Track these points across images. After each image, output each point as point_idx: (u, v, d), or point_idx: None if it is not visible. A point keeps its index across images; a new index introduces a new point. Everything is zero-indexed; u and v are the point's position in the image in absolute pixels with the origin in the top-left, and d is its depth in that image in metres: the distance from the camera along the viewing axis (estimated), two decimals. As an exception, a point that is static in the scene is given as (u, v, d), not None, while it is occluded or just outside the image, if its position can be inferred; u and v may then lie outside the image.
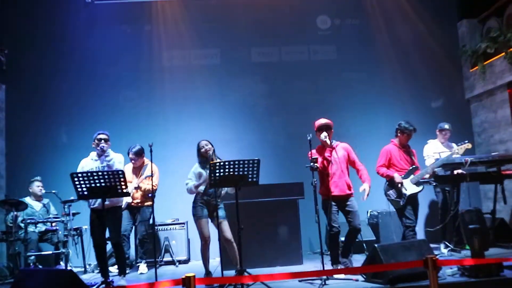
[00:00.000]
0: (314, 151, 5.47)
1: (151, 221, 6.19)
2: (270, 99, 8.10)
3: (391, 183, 5.92)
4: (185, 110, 7.88)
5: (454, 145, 6.92)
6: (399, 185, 5.82)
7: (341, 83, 8.21)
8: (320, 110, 7.78)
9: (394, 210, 6.06)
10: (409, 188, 5.84)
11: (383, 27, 8.37)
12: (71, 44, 7.87)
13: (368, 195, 5.49)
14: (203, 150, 5.35)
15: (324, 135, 5.39)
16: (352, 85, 8.21)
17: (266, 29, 8.25)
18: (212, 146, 5.42)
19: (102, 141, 5.32)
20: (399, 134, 6.06)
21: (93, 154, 5.48)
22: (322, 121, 5.57)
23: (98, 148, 5.32)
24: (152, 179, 5.68)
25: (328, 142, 5.40)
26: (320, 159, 5.37)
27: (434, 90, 8.29)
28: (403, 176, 5.88)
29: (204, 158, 5.36)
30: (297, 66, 8.22)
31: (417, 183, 5.86)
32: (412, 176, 5.89)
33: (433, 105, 8.25)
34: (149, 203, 6.41)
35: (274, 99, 8.10)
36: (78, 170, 5.33)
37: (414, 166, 5.96)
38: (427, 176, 6.01)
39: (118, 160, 5.37)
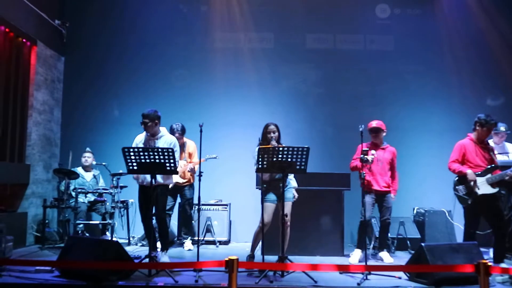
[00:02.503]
0: (365, 144, 5.58)
1: (195, 201, 6.30)
2: (321, 88, 7.99)
3: (462, 179, 5.37)
4: (235, 93, 7.88)
5: (510, 146, 6.60)
6: (472, 183, 5.28)
7: (396, 75, 7.97)
8: (372, 102, 7.67)
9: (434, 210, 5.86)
10: (482, 187, 5.26)
11: (445, 18, 8.03)
12: (129, 20, 8.01)
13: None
14: (270, 135, 5.26)
15: (371, 157, 5.61)
16: (407, 78, 7.97)
17: (322, 15, 8.09)
18: (279, 132, 5.29)
19: (142, 125, 5.31)
20: (478, 128, 5.41)
21: None
22: (373, 123, 5.88)
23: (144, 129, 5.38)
24: (192, 159, 5.71)
25: (370, 159, 5.54)
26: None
27: (495, 87, 7.90)
28: (479, 173, 5.31)
29: (265, 142, 5.28)
30: (352, 55, 8.03)
31: (493, 184, 5.25)
32: (489, 175, 5.27)
33: (490, 103, 7.86)
34: (190, 183, 6.59)
35: (326, 87, 7.98)
36: (133, 144, 5.43)
37: (494, 165, 5.37)
38: (506, 178, 5.27)
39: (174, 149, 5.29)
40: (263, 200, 5.17)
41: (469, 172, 5.26)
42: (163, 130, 5.49)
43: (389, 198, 5.87)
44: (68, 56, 8.01)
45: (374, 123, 5.91)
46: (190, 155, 6.60)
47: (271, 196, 5.16)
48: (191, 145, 6.60)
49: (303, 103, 7.94)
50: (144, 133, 5.47)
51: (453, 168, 5.39)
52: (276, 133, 5.23)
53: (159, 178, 5.20)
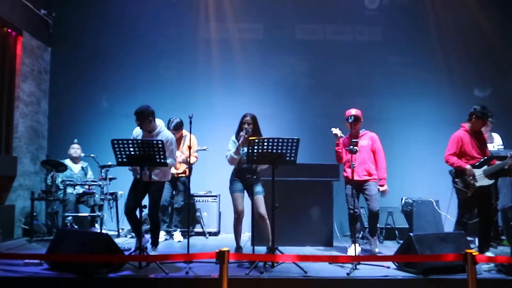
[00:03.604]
0: (346, 137, 5.63)
1: (188, 192, 6.33)
2: (311, 79, 7.98)
3: (460, 172, 5.36)
4: (226, 84, 7.85)
5: (496, 135, 6.69)
6: (470, 178, 5.28)
7: (385, 66, 7.99)
8: (361, 93, 7.69)
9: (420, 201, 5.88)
10: (480, 180, 5.28)
11: (434, 9, 8.04)
12: (117, 10, 7.91)
13: (385, 191, 5.68)
14: (244, 126, 5.26)
15: (337, 132, 5.56)
16: (396, 69, 7.99)
17: (311, 5, 8.07)
18: (255, 124, 5.27)
19: (137, 122, 5.22)
20: (473, 119, 5.38)
21: None
22: (353, 112, 5.63)
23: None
24: (190, 151, 5.72)
25: (340, 135, 5.54)
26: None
27: (484, 79, 7.95)
28: (476, 164, 5.30)
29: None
30: (341, 46, 8.03)
31: (490, 175, 5.27)
32: (485, 167, 5.28)
33: (478, 94, 7.92)
34: (187, 174, 6.59)
35: (315, 79, 7.98)
36: (131, 138, 5.35)
37: (490, 156, 5.38)
38: (506, 167, 5.27)
39: (169, 149, 5.22)
40: (232, 192, 5.26)
41: (468, 167, 5.27)
42: (160, 124, 5.39)
43: (371, 186, 5.57)
44: (55, 47, 7.90)
45: (353, 111, 5.61)
46: (189, 147, 6.55)
47: (238, 186, 5.22)
48: (191, 138, 6.54)
49: (292, 94, 7.94)
50: None
51: (451, 162, 5.38)
52: (251, 125, 5.20)
53: (155, 176, 5.17)
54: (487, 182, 5.27)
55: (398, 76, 7.94)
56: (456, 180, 5.40)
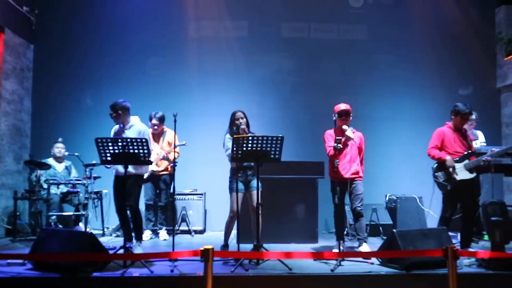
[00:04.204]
0: (331, 132, 5.54)
1: (171, 190, 6.32)
2: (296, 77, 8.02)
3: (441, 166, 5.46)
4: (210, 82, 7.84)
5: (479, 133, 6.80)
6: (450, 169, 5.38)
7: (370, 64, 8.05)
8: (346, 91, 7.73)
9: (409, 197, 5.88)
10: (460, 173, 5.37)
11: (417, 9, 8.13)
12: (100, 7, 7.84)
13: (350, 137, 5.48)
14: (237, 121, 5.29)
15: (350, 131, 5.43)
16: (381, 68, 8.06)
17: (297, 3, 8.10)
18: (247, 118, 5.34)
19: (113, 115, 5.34)
20: (453, 116, 5.56)
21: None
22: (342, 106, 5.56)
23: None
24: (175, 148, 5.74)
25: (352, 135, 5.42)
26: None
27: (465, 77, 8.08)
28: (457, 159, 5.42)
29: (233, 129, 5.32)
30: (326, 45, 8.08)
31: (471, 170, 5.38)
32: (466, 161, 5.39)
33: (461, 93, 8.04)
34: (169, 171, 6.59)
35: (301, 77, 8.01)
36: (111, 134, 5.43)
37: (471, 151, 5.49)
38: (482, 163, 5.40)
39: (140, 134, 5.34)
40: (230, 191, 5.28)
41: (448, 158, 5.37)
42: (134, 120, 5.46)
43: (358, 185, 5.50)
44: (37, 44, 7.81)
45: (343, 106, 5.58)
46: (169, 144, 6.59)
47: (238, 185, 5.20)
48: (170, 135, 6.58)
49: (278, 92, 7.96)
50: None
51: (433, 154, 5.48)
52: (244, 119, 5.28)
53: (131, 168, 5.15)
54: (468, 175, 5.36)
55: (382, 74, 8.01)
56: (436, 174, 5.49)
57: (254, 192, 5.21)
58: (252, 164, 5.19)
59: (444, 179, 5.44)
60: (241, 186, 5.23)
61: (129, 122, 5.40)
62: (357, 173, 5.53)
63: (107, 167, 5.45)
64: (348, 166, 5.46)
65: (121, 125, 5.39)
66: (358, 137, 5.66)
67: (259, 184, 5.10)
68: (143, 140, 4.77)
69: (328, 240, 6.47)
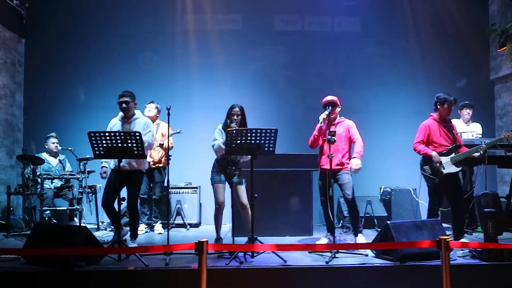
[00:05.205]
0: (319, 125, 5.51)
1: (165, 183, 6.29)
2: (290, 70, 7.99)
3: (428, 160, 5.47)
4: (204, 76, 7.80)
5: (477, 125, 6.83)
6: (437, 164, 5.38)
7: (363, 57, 8.05)
8: (340, 84, 7.73)
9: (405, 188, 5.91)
10: (447, 167, 5.39)
11: (411, 1, 8.13)
12: (92, 1, 7.77)
13: (358, 169, 5.40)
14: (232, 117, 5.26)
15: (322, 116, 5.37)
16: (374, 60, 8.06)
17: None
18: (243, 115, 5.30)
19: (123, 104, 5.22)
20: (438, 107, 5.52)
21: (121, 114, 5.41)
22: (328, 98, 5.55)
23: (121, 109, 5.27)
24: (168, 138, 5.73)
25: (321, 123, 5.38)
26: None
27: (459, 69, 8.11)
28: (443, 152, 5.42)
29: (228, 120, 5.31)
30: (320, 37, 8.06)
31: (457, 163, 5.37)
32: (453, 155, 5.40)
33: (458, 85, 8.05)
34: (163, 164, 6.58)
35: (294, 70, 7.99)
36: (107, 129, 5.34)
37: (457, 144, 5.49)
38: (476, 154, 5.41)
39: (148, 130, 5.28)
40: (213, 183, 5.29)
41: (433, 154, 5.38)
42: (138, 112, 5.42)
43: (343, 175, 5.45)
44: (28, 38, 7.75)
45: (328, 97, 5.55)
46: (162, 135, 6.58)
47: (220, 177, 5.24)
48: (164, 126, 6.57)
49: (271, 85, 7.94)
50: (118, 116, 5.39)
51: (418, 150, 5.49)
52: (240, 117, 5.24)
53: (134, 162, 5.13)
54: (454, 169, 5.39)
55: (376, 67, 8.01)
56: (424, 167, 5.51)
57: (239, 188, 5.19)
58: (236, 158, 5.16)
59: (430, 173, 5.46)
60: (223, 178, 5.25)
61: (134, 114, 5.34)
62: (341, 164, 5.48)
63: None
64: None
65: (122, 117, 5.32)
66: (344, 126, 5.57)
67: (243, 179, 5.14)
68: (137, 134, 4.74)
69: (323, 232, 6.43)
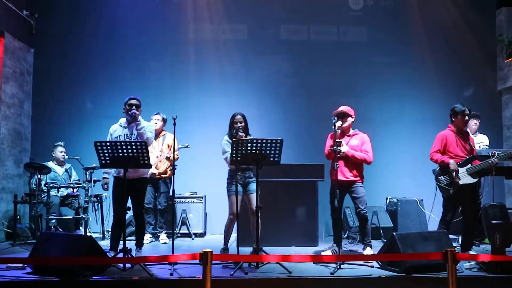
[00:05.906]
0: (330, 134, 5.56)
1: (170, 193, 6.30)
2: (295, 79, 7.99)
3: (444, 169, 5.44)
4: (209, 85, 7.82)
5: (484, 137, 6.79)
6: (454, 173, 5.35)
7: (369, 66, 8.03)
8: (346, 93, 7.73)
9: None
10: (463, 178, 5.36)
11: (417, 10, 8.11)
12: (100, 11, 7.84)
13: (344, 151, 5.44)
14: (236, 125, 5.29)
15: (338, 124, 5.38)
16: (381, 70, 8.03)
17: (296, 6, 8.08)
18: (246, 122, 5.35)
19: (134, 107, 5.23)
20: (453, 119, 5.55)
21: (123, 120, 5.39)
22: (340, 108, 5.60)
23: (130, 113, 5.24)
24: (174, 152, 5.75)
25: (338, 131, 5.36)
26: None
27: (465, 79, 8.07)
28: (459, 163, 5.38)
29: (232, 132, 5.35)
30: (326, 47, 8.06)
31: (473, 174, 5.34)
32: (469, 166, 5.38)
33: (465, 95, 8.01)
34: (169, 174, 6.57)
35: (300, 79, 7.99)
36: (108, 136, 5.39)
37: (474, 155, 5.47)
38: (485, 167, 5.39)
39: (149, 130, 5.33)
40: (229, 194, 5.31)
41: (451, 162, 5.35)
42: (141, 119, 5.43)
43: (358, 188, 5.53)
44: (37, 48, 7.81)
45: (340, 108, 5.63)
46: (168, 146, 6.59)
47: (236, 188, 5.20)
48: (170, 138, 6.58)
49: (277, 95, 7.94)
50: (119, 122, 5.41)
51: (436, 159, 5.47)
52: (243, 123, 5.28)
53: (140, 170, 5.16)
54: (470, 180, 5.35)
55: (382, 76, 7.99)
56: (439, 178, 5.48)
57: (253, 195, 5.24)
58: (251, 166, 5.20)
59: (446, 183, 5.43)
60: (239, 188, 5.22)
61: (138, 120, 5.33)
62: (355, 176, 5.53)
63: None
64: (344, 170, 5.49)
65: (127, 121, 5.33)
66: (359, 139, 5.64)
67: (258, 187, 5.11)
68: (143, 143, 4.76)
69: (328, 243, 6.42)
